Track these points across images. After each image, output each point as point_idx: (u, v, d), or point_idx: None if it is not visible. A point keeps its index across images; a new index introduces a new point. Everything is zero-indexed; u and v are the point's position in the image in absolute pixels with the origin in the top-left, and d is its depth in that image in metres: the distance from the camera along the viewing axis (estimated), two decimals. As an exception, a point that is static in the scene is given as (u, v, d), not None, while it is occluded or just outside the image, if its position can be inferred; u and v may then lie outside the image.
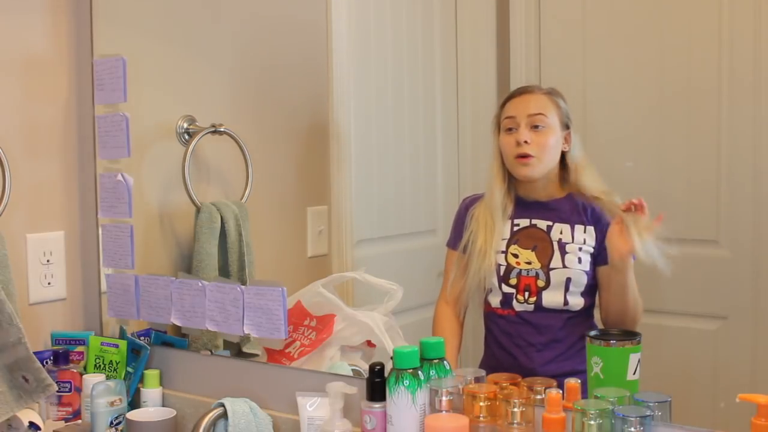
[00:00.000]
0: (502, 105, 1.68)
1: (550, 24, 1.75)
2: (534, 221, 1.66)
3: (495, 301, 1.67)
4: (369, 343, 1.79)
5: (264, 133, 2.08)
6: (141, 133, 1.89)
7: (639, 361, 1.39)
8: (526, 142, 1.63)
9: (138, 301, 1.85)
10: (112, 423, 1.72)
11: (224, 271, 1.92)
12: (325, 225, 2.06)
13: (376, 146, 2.04)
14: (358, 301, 1.93)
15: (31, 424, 1.67)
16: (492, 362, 1.68)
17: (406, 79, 2.02)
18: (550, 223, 1.64)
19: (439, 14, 1.99)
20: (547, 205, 1.66)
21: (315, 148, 2.10)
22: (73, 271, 1.98)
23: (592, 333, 1.43)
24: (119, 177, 1.84)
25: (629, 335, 1.43)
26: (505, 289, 1.65)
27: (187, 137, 1.97)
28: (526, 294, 1.64)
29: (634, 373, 1.39)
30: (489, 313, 1.69)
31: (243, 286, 1.70)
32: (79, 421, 1.82)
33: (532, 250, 1.64)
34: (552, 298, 1.62)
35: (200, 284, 1.75)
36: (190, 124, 1.97)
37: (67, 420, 1.82)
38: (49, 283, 1.93)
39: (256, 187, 1.99)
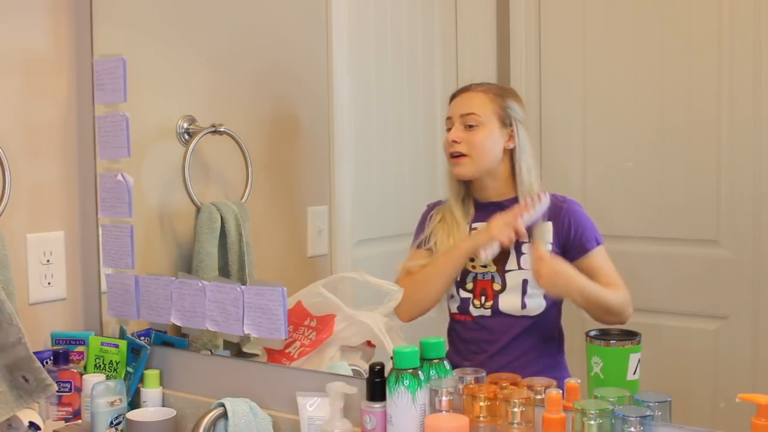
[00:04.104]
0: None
1: (550, 24, 1.75)
2: None
3: (453, 306, 1.67)
4: (369, 343, 1.79)
5: (264, 133, 2.08)
6: (141, 133, 1.89)
7: (639, 361, 1.39)
8: (455, 141, 1.63)
9: (138, 301, 1.85)
10: (112, 423, 1.72)
11: (224, 271, 1.92)
12: (325, 225, 2.06)
13: (376, 146, 2.04)
14: (358, 301, 1.93)
15: (31, 424, 1.67)
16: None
17: (406, 79, 2.02)
18: None
19: (439, 14, 1.99)
20: (502, 205, 1.63)
21: (315, 148, 2.10)
22: (73, 271, 1.98)
23: (592, 333, 1.43)
24: (119, 177, 1.84)
25: (629, 335, 1.42)
26: (462, 294, 1.64)
27: (187, 137, 1.97)
28: (483, 298, 1.61)
29: (634, 373, 1.39)
30: (450, 319, 1.68)
31: (243, 286, 1.70)
32: (79, 421, 1.81)
33: None
34: (509, 302, 1.60)
35: (200, 284, 1.75)
36: (190, 124, 1.97)
37: (67, 420, 1.82)
38: (49, 283, 1.93)
39: (256, 187, 1.99)
